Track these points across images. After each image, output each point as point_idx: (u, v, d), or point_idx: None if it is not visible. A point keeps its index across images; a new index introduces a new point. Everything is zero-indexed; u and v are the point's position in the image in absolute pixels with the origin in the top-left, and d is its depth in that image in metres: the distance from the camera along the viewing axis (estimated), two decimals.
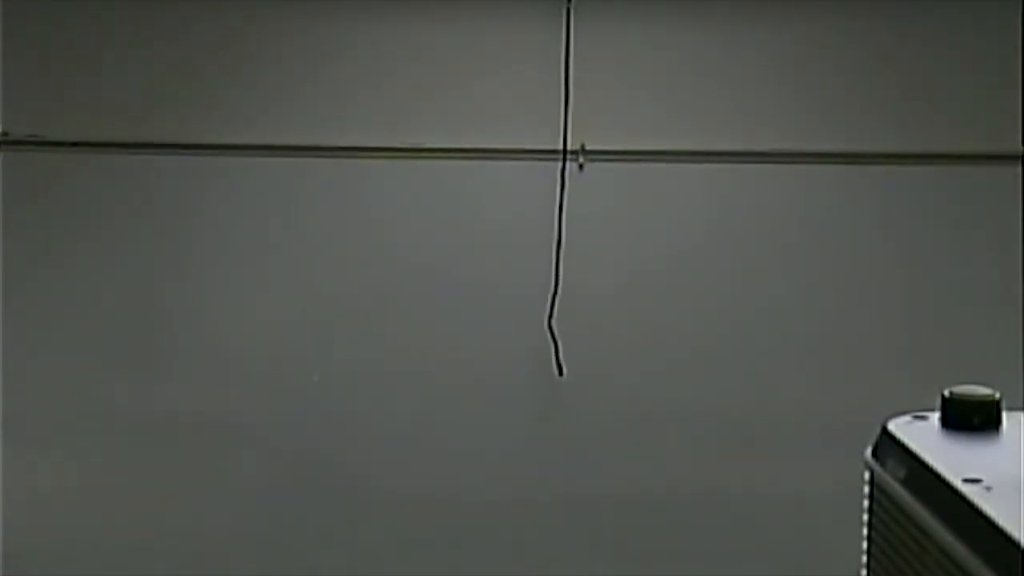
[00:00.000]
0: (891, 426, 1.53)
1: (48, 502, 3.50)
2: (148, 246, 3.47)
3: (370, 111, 3.43)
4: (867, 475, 1.54)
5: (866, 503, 1.54)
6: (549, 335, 3.42)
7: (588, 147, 3.40)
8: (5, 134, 3.41)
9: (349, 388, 3.49)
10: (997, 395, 1.52)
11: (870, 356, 3.46)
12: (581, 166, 3.41)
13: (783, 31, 3.41)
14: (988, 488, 1.26)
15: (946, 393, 1.53)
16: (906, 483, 1.40)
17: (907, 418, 1.56)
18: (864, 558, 1.54)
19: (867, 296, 3.46)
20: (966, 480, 1.29)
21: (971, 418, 1.50)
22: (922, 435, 1.48)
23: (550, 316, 3.41)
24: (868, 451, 1.55)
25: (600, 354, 3.46)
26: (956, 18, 3.38)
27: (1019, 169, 3.35)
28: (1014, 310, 3.36)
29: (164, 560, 3.49)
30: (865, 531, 1.54)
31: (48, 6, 3.40)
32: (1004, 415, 1.51)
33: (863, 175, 3.43)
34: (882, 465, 1.49)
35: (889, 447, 1.49)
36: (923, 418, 1.56)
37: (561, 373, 3.44)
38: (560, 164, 3.39)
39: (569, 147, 3.39)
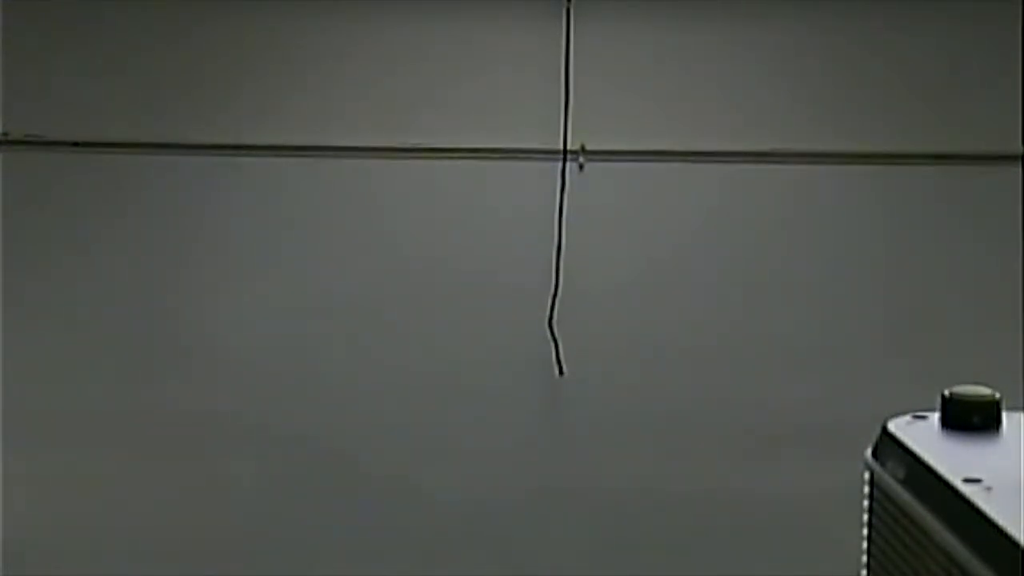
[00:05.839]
0: (891, 426, 1.53)
1: (48, 502, 3.50)
2: (148, 246, 3.47)
3: (370, 111, 3.43)
4: (867, 475, 1.53)
5: (866, 503, 1.54)
6: (549, 335, 3.42)
7: (588, 147, 3.40)
8: (5, 134, 3.41)
9: (349, 388, 3.49)
10: (997, 395, 1.52)
11: (870, 356, 3.46)
12: (581, 166, 3.41)
13: (782, 31, 3.41)
14: (988, 488, 1.26)
15: (946, 393, 1.52)
16: (906, 483, 1.40)
17: (907, 418, 1.56)
18: (864, 558, 1.54)
19: (867, 296, 3.46)
20: (966, 480, 1.29)
21: (971, 418, 1.50)
22: (922, 435, 1.48)
23: (550, 316, 3.41)
24: (868, 451, 1.55)
25: (600, 354, 3.46)
26: (956, 18, 3.38)
27: (1019, 169, 3.36)
28: (1014, 310, 3.36)
29: (164, 559, 3.49)
30: (865, 531, 1.54)
31: (48, 6, 3.40)
32: (1004, 415, 1.51)
33: (863, 175, 3.43)
34: (882, 465, 1.49)
35: (889, 447, 1.49)
36: (923, 418, 1.56)
37: (561, 373, 3.44)
38: (560, 164, 3.39)
39: (569, 147, 3.39)
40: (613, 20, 3.39)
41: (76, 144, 3.42)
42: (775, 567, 3.42)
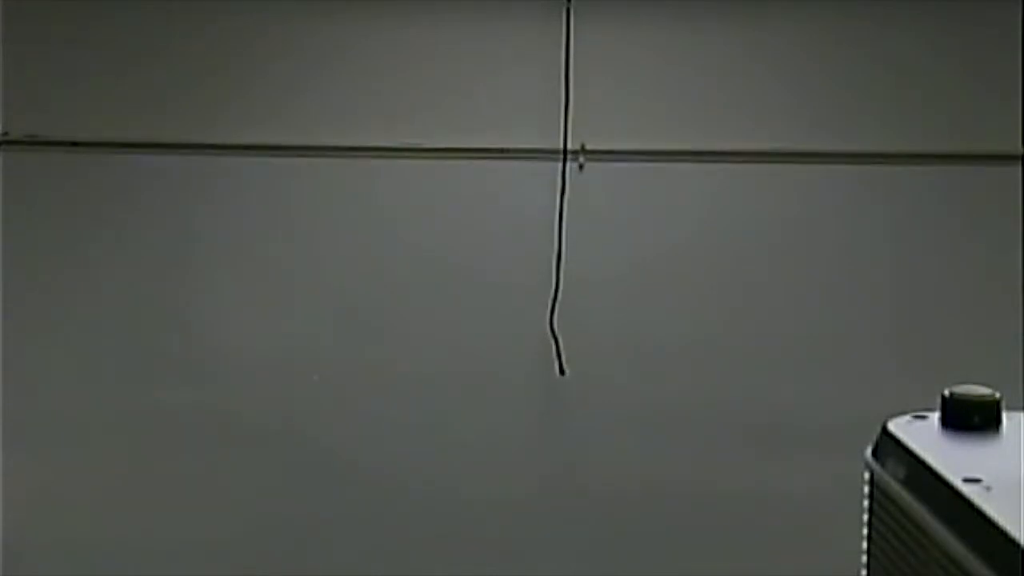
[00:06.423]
0: (891, 426, 1.53)
1: (48, 502, 3.50)
2: (148, 246, 3.47)
3: (370, 111, 3.43)
4: (867, 475, 1.53)
5: (866, 503, 1.53)
6: (549, 335, 3.42)
7: (588, 147, 3.40)
8: (5, 134, 3.41)
9: (350, 388, 3.49)
10: (997, 395, 1.52)
11: (870, 356, 3.46)
12: (581, 166, 3.41)
13: (782, 31, 3.41)
14: (988, 488, 1.26)
15: (946, 393, 1.52)
16: (906, 483, 1.40)
17: (907, 418, 1.56)
18: (864, 558, 1.54)
19: (867, 296, 3.46)
20: (966, 480, 1.28)
21: (971, 418, 1.50)
22: (922, 435, 1.48)
23: (550, 316, 3.41)
24: (868, 451, 1.54)
25: (600, 354, 3.46)
26: (956, 18, 3.38)
27: (1019, 169, 3.35)
28: (1014, 310, 3.36)
29: (164, 560, 3.49)
30: (865, 531, 1.54)
31: (48, 6, 3.40)
32: (1004, 415, 1.51)
33: (863, 175, 3.43)
34: (882, 465, 1.49)
35: (889, 447, 1.49)
36: (923, 418, 1.55)
37: (562, 373, 3.44)
38: (560, 164, 3.39)
39: (569, 147, 3.39)
40: (613, 20, 3.39)
41: (76, 144, 3.42)
42: (775, 566, 3.42)
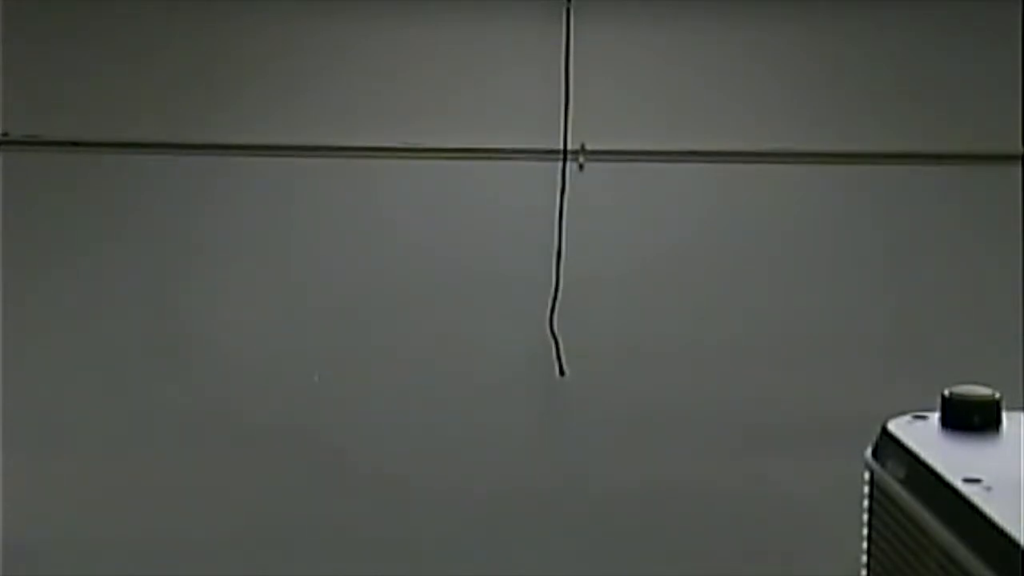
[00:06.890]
0: (891, 426, 1.53)
1: (48, 502, 3.50)
2: (148, 246, 3.47)
3: (371, 111, 3.43)
4: (867, 475, 1.53)
5: (866, 503, 1.54)
6: (549, 335, 3.42)
7: (588, 147, 3.40)
8: (5, 134, 3.41)
9: (350, 388, 3.49)
10: (997, 395, 1.52)
11: (870, 356, 3.46)
12: (581, 166, 3.41)
13: (782, 31, 3.41)
14: (988, 488, 1.26)
15: (946, 393, 1.52)
16: (906, 483, 1.40)
17: (907, 418, 1.56)
18: (864, 558, 1.54)
19: (867, 296, 3.46)
20: (966, 480, 1.28)
21: (971, 418, 1.50)
22: (922, 435, 1.48)
23: (550, 316, 3.41)
24: (868, 451, 1.55)
25: (600, 354, 3.46)
26: (956, 18, 3.38)
27: (1019, 169, 3.36)
28: (1014, 310, 3.36)
29: (164, 560, 3.49)
30: (865, 531, 1.54)
31: (48, 6, 3.40)
32: (1004, 415, 1.51)
33: (863, 175, 3.43)
34: (882, 465, 1.49)
35: (889, 447, 1.49)
36: (923, 418, 1.55)
37: (562, 373, 3.44)
38: (560, 164, 3.39)
39: (569, 147, 3.39)
40: (613, 20, 3.39)
41: (76, 144, 3.42)
42: (775, 566, 3.43)
